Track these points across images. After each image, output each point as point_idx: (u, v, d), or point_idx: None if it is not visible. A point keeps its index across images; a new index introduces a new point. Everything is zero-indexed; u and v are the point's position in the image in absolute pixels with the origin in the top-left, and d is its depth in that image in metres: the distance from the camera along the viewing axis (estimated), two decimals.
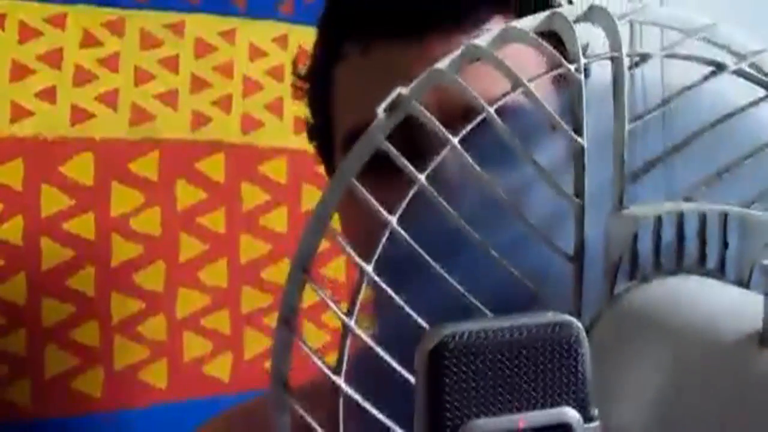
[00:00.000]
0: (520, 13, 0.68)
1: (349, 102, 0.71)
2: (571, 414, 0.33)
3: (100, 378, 0.95)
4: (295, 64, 0.83)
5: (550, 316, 0.33)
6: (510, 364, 0.33)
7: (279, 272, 1.04)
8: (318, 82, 0.76)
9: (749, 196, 0.40)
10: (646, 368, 0.35)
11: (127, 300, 0.96)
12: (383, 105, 0.39)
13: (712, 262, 0.39)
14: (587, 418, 0.33)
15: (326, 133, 0.75)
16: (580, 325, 0.33)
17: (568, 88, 0.39)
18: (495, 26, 0.66)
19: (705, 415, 0.33)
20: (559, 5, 0.72)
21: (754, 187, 0.40)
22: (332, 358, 0.38)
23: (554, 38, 0.42)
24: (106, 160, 0.96)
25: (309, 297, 0.40)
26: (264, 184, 1.04)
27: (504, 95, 0.39)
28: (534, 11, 0.41)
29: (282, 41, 1.06)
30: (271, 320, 1.03)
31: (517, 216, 0.38)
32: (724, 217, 0.38)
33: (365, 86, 0.68)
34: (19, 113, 0.92)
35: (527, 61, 0.47)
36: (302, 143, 1.05)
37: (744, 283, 0.39)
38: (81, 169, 0.95)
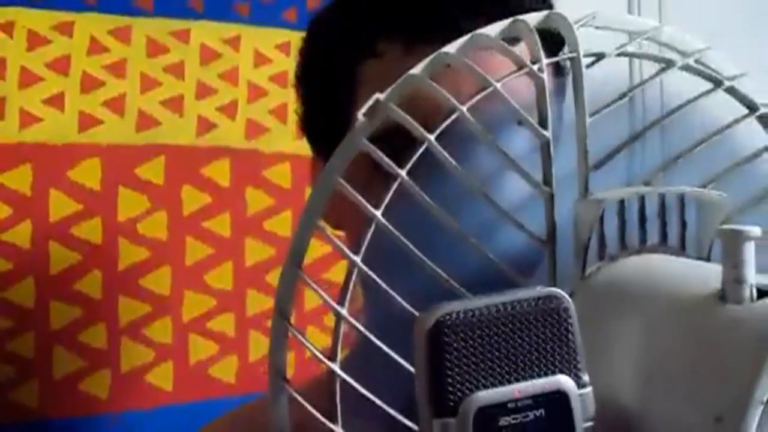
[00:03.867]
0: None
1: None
2: (565, 381, 0.35)
3: (107, 380, 0.96)
4: (300, 54, 0.82)
5: (538, 290, 0.35)
6: (506, 337, 0.35)
7: None
8: (337, 76, 0.75)
9: (704, 179, 0.43)
10: (621, 332, 0.38)
11: (134, 303, 0.98)
12: (363, 110, 0.41)
13: (673, 241, 0.42)
14: (580, 385, 0.35)
15: (334, 128, 0.74)
16: (567, 296, 0.35)
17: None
18: None
19: (677, 362, 0.35)
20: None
21: (708, 171, 0.42)
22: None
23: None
24: (112, 165, 0.97)
25: (311, 300, 0.41)
26: (268, 189, 1.06)
27: (476, 95, 0.41)
28: None
29: (286, 48, 1.07)
30: None
31: (493, 206, 0.40)
32: (682, 198, 0.40)
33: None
34: (27, 120, 0.94)
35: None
36: (306, 148, 1.06)
37: (704, 259, 0.42)
38: (88, 174, 0.96)
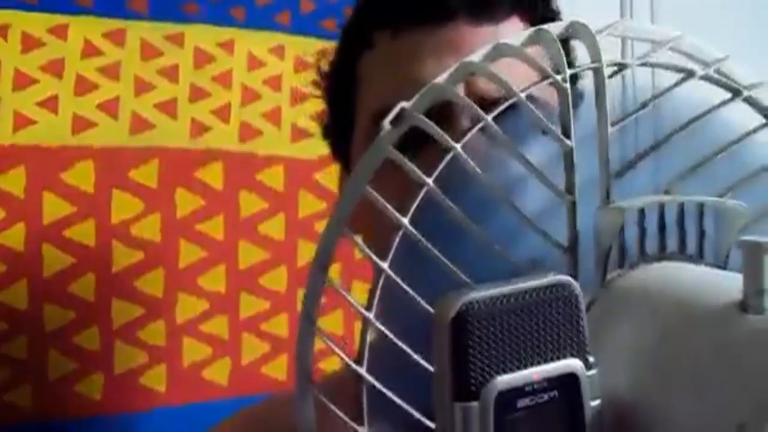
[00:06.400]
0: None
1: (380, 83, 0.73)
2: (575, 364, 0.37)
3: (101, 382, 0.96)
4: (317, 62, 0.84)
5: (550, 277, 0.37)
6: (523, 323, 0.37)
7: (277, 278, 1.06)
8: (342, 75, 0.77)
9: (722, 188, 0.44)
10: (641, 339, 0.38)
11: (128, 305, 0.98)
12: (389, 117, 0.42)
13: (691, 249, 0.43)
14: (588, 366, 0.37)
15: (346, 124, 0.76)
16: (576, 282, 0.37)
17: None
18: (515, 25, 0.72)
19: (699, 370, 0.36)
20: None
21: (726, 180, 0.44)
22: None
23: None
24: (106, 167, 0.97)
25: None
26: (262, 192, 1.06)
27: (501, 105, 0.41)
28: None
29: (279, 51, 1.08)
30: (269, 326, 1.05)
31: (517, 213, 0.40)
32: (701, 207, 0.42)
33: (396, 68, 0.71)
34: (21, 122, 0.94)
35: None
36: (299, 151, 1.07)
37: (721, 267, 0.43)
38: (82, 176, 0.96)
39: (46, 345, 0.93)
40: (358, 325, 0.41)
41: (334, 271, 0.40)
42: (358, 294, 1.05)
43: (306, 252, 1.07)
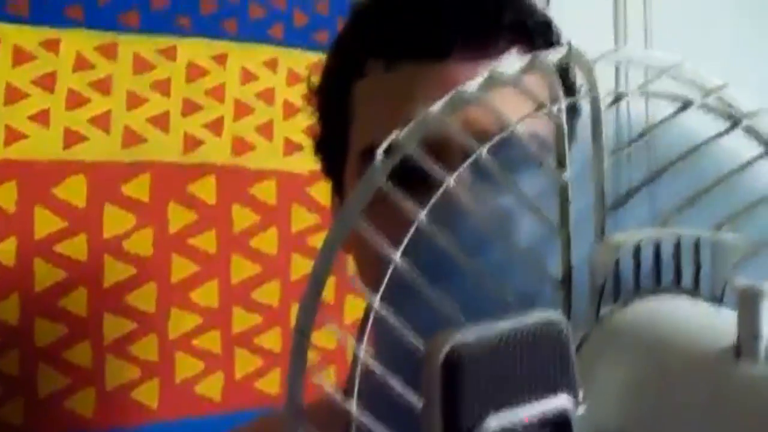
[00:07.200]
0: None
1: (371, 117, 0.72)
2: (566, 399, 0.36)
3: (93, 398, 0.96)
4: (308, 77, 0.83)
5: (539, 315, 0.36)
6: (515, 362, 0.36)
7: (269, 293, 1.05)
8: (335, 95, 0.76)
9: (720, 219, 0.43)
10: (631, 377, 0.38)
11: (120, 320, 0.97)
12: (381, 148, 0.41)
13: (687, 283, 0.42)
14: (577, 402, 0.36)
15: (338, 148, 0.76)
16: (565, 318, 0.36)
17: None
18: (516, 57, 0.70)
19: (693, 416, 0.35)
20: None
21: (724, 211, 0.43)
22: None
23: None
24: (98, 182, 0.97)
25: None
26: (254, 206, 1.06)
27: (495, 137, 0.41)
28: None
29: (272, 65, 1.07)
30: (262, 340, 1.05)
31: (508, 245, 0.40)
32: (697, 240, 0.41)
33: (387, 103, 0.70)
34: (12, 136, 0.93)
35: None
36: (292, 165, 1.07)
37: (717, 300, 0.42)
38: (74, 191, 0.96)
39: (38, 360, 0.93)
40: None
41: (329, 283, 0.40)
42: (351, 309, 1.04)
43: (299, 266, 1.06)
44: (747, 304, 0.34)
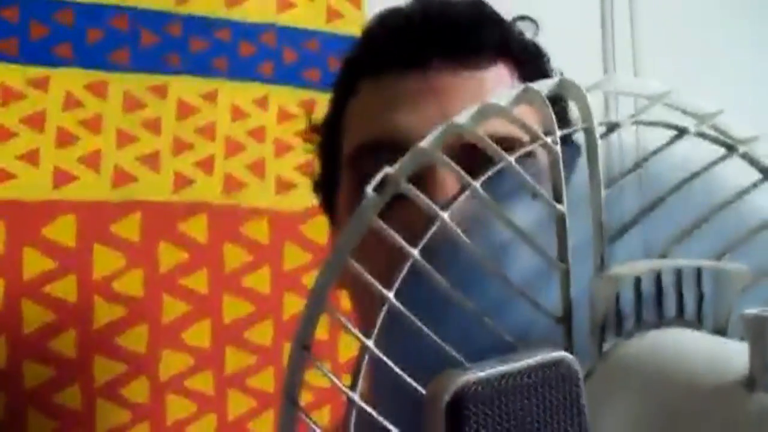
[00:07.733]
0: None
1: (358, 123, 0.73)
2: None
3: None
4: (308, 114, 0.85)
5: (546, 354, 0.35)
6: (521, 405, 0.35)
7: (262, 332, 1.04)
8: (330, 126, 0.78)
9: (721, 247, 0.42)
10: (639, 414, 0.37)
11: (110, 362, 0.96)
12: (372, 185, 0.40)
13: (690, 314, 0.41)
14: None
15: (332, 182, 0.76)
16: (573, 358, 0.35)
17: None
18: (500, 72, 0.71)
19: None
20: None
21: (724, 238, 0.42)
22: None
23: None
24: (88, 222, 0.96)
25: None
26: (246, 245, 1.04)
27: (490, 170, 0.40)
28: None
29: (262, 102, 1.07)
30: (254, 381, 1.03)
31: (506, 283, 0.39)
32: (698, 269, 0.40)
33: (371, 113, 0.71)
34: (1, 176, 0.92)
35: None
36: (284, 203, 1.06)
37: (721, 331, 0.41)
38: (63, 231, 0.95)
39: (26, 404, 0.91)
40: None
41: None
42: (345, 347, 1.02)
43: (292, 305, 1.05)
44: (757, 333, 0.33)
